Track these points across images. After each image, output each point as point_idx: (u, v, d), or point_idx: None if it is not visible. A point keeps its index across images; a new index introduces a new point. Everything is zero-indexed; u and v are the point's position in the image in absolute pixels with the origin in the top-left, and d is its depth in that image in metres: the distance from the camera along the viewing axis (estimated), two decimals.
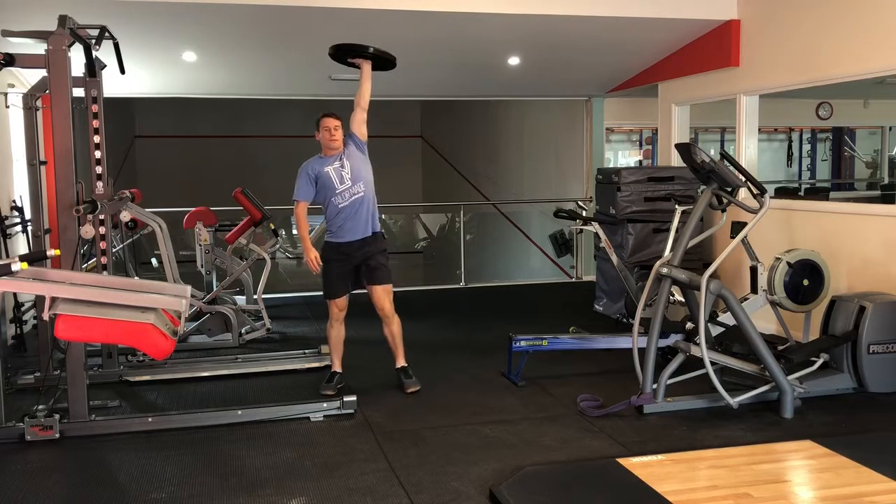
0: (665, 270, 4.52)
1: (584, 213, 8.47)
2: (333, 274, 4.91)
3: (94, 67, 4.95)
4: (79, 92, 4.84)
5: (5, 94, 6.59)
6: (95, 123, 4.90)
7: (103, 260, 5.04)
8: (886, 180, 13.00)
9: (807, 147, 13.34)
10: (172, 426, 4.33)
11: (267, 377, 5.39)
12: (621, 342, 5.28)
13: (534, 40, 7.12)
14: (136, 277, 6.75)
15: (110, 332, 3.54)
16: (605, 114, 9.67)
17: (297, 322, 7.15)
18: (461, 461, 3.81)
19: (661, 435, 4.14)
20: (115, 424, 4.33)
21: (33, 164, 5.22)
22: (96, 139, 4.87)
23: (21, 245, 6.65)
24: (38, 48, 4.23)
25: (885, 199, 11.59)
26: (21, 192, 6.65)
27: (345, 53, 5.01)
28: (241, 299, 7.11)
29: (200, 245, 6.68)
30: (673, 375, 4.52)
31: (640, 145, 12.51)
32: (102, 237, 5.04)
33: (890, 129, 12.94)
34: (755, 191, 4.59)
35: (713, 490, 3.37)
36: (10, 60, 4.24)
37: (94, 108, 4.93)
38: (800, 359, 4.71)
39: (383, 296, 4.96)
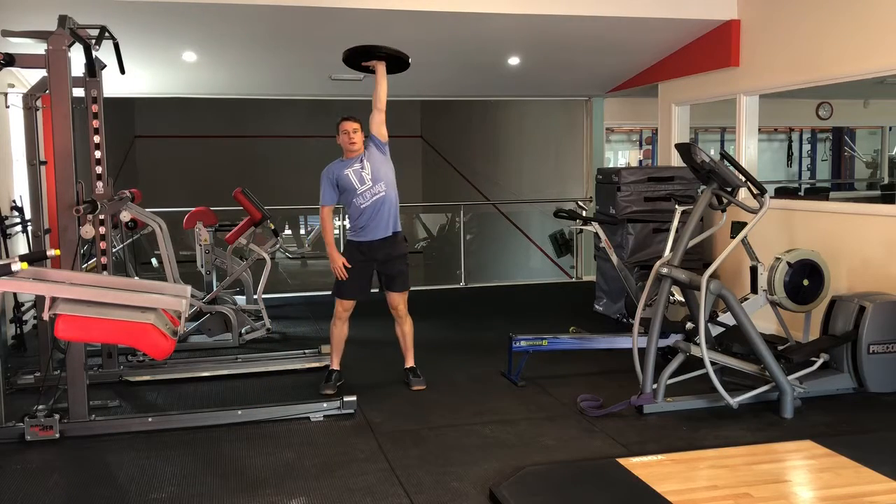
0: (665, 270, 4.52)
1: (584, 213, 8.46)
2: (352, 276, 4.91)
3: (94, 67, 4.95)
4: (79, 92, 4.84)
5: (5, 94, 6.59)
6: (95, 123, 4.90)
7: (103, 260, 5.04)
8: (886, 180, 13.01)
9: (807, 147, 13.34)
10: (172, 426, 4.33)
11: (267, 377, 5.39)
12: (621, 342, 5.28)
13: (534, 40, 7.12)
14: (136, 277, 6.75)
15: (110, 332, 3.54)
16: (605, 114, 9.67)
17: (297, 322, 7.15)
18: (461, 461, 3.81)
19: (661, 435, 4.14)
20: (115, 424, 4.32)
21: (33, 164, 5.22)
22: (96, 139, 4.87)
23: (21, 245, 6.65)
24: (38, 48, 4.23)
25: (885, 199, 11.59)
26: (21, 192, 6.65)
27: (358, 57, 5.00)
28: (241, 299, 7.11)
29: (200, 245, 6.68)
30: (673, 375, 4.53)
31: (640, 145, 12.51)
32: (102, 237, 5.03)
33: (890, 129, 12.95)
34: (755, 191, 4.59)
35: (713, 490, 3.37)
36: (10, 60, 4.24)
37: (94, 108, 4.93)
38: (800, 359, 4.71)
39: (399, 299, 5.01)
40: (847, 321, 4.85)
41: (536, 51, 7.49)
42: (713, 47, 6.96)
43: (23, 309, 6.32)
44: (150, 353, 3.62)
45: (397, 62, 5.03)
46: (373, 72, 5.00)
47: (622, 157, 12.71)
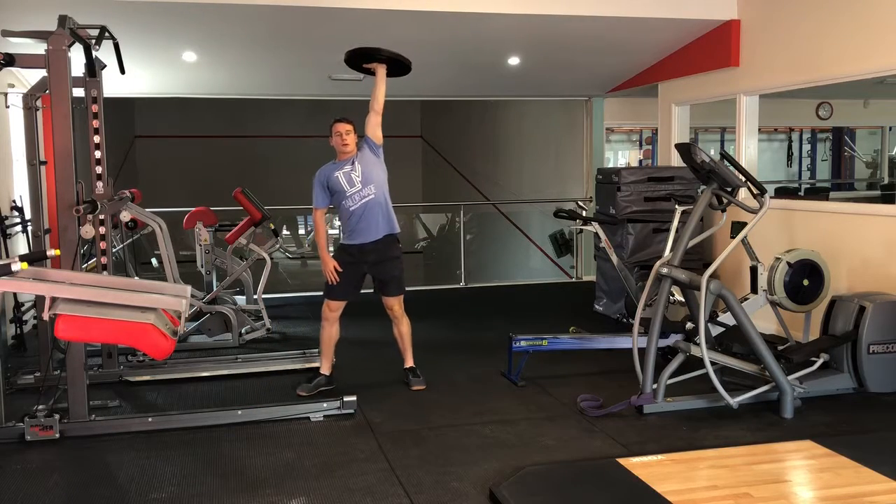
0: (665, 270, 4.52)
1: (584, 213, 8.46)
2: (341, 277, 4.91)
3: (94, 67, 4.95)
4: (79, 92, 4.84)
5: (5, 94, 6.59)
6: (95, 123, 4.90)
7: (103, 260, 5.04)
8: (886, 180, 13.01)
9: (807, 147, 13.34)
10: (172, 426, 4.33)
11: (267, 377, 5.39)
12: (621, 342, 5.28)
13: (534, 40, 7.12)
14: (136, 277, 6.75)
15: (110, 332, 3.54)
16: (605, 114, 9.67)
17: (297, 322, 7.14)
18: (461, 461, 3.81)
19: (661, 435, 4.14)
20: (115, 424, 4.32)
21: (33, 164, 5.22)
22: (96, 139, 4.87)
23: (21, 245, 6.65)
24: (38, 48, 4.23)
25: (885, 199, 11.59)
26: (21, 192, 6.65)
27: (360, 59, 5.00)
28: (241, 299, 7.11)
29: (200, 245, 6.68)
30: (673, 375, 4.53)
31: (640, 145, 12.51)
32: (102, 237, 5.03)
33: (890, 129, 12.95)
34: (755, 191, 4.59)
35: (713, 490, 3.37)
36: (10, 60, 4.24)
37: (94, 108, 4.93)
38: (800, 359, 4.71)
39: (394, 301, 5.01)
40: (847, 321, 4.85)
41: (536, 51, 7.49)
42: (713, 47, 6.96)
43: (23, 309, 6.32)
44: (150, 353, 3.62)
45: (399, 66, 5.03)
46: (374, 74, 5.00)
47: (622, 157, 12.71)
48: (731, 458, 3.75)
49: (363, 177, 4.83)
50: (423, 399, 4.86)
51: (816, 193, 12.09)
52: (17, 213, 6.53)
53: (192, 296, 4.25)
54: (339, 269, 4.87)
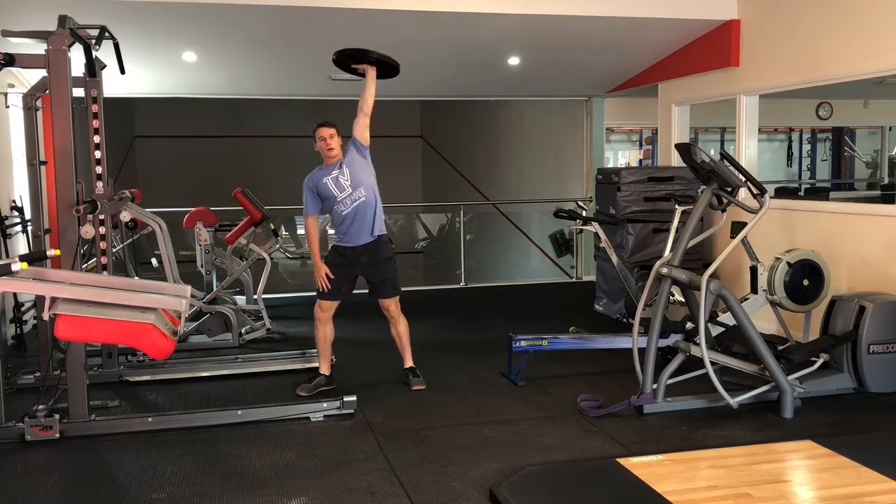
0: (665, 270, 4.52)
1: (584, 213, 8.46)
2: (332, 279, 4.91)
3: (94, 67, 4.95)
4: (79, 92, 4.84)
5: (5, 94, 6.59)
6: (95, 123, 4.90)
7: (103, 260, 5.04)
8: (886, 180, 13.01)
9: (807, 147, 13.34)
10: (172, 426, 4.33)
11: (267, 377, 5.39)
12: (621, 342, 5.28)
13: (534, 40, 7.12)
14: (136, 277, 6.75)
15: (110, 332, 3.54)
16: (605, 114, 9.67)
17: (297, 322, 7.14)
18: (461, 461, 3.81)
19: (661, 435, 4.14)
20: (115, 424, 4.33)
21: (33, 164, 5.22)
22: (96, 139, 4.87)
23: (21, 245, 6.65)
24: (38, 48, 4.23)
25: (885, 199, 11.59)
26: (21, 192, 6.65)
27: (349, 59, 5.00)
28: (241, 299, 7.11)
29: (200, 245, 6.68)
30: (673, 375, 4.53)
31: (640, 145, 12.51)
32: (102, 237, 5.03)
33: (890, 129, 12.95)
34: (755, 191, 4.59)
35: (713, 490, 3.37)
36: (10, 60, 4.24)
37: (94, 108, 4.94)
38: (800, 359, 4.71)
39: (390, 301, 5.01)
40: (847, 321, 4.85)
41: (536, 51, 7.49)
42: (713, 47, 6.96)
43: (23, 309, 6.32)
44: (150, 353, 3.62)
45: (388, 68, 5.03)
46: (362, 75, 4.99)
47: (622, 157, 12.71)
48: (731, 458, 3.75)
49: (352, 180, 4.81)
50: (423, 399, 4.86)
51: (816, 193, 12.09)
52: (17, 213, 6.53)
53: (192, 296, 4.25)
54: (332, 277, 4.87)
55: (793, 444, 3.91)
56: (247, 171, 14.58)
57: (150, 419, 4.37)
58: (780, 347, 5.01)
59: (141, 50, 6.79)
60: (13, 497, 3.49)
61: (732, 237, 4.64)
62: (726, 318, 5.09)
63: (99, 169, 4.90)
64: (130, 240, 7.29)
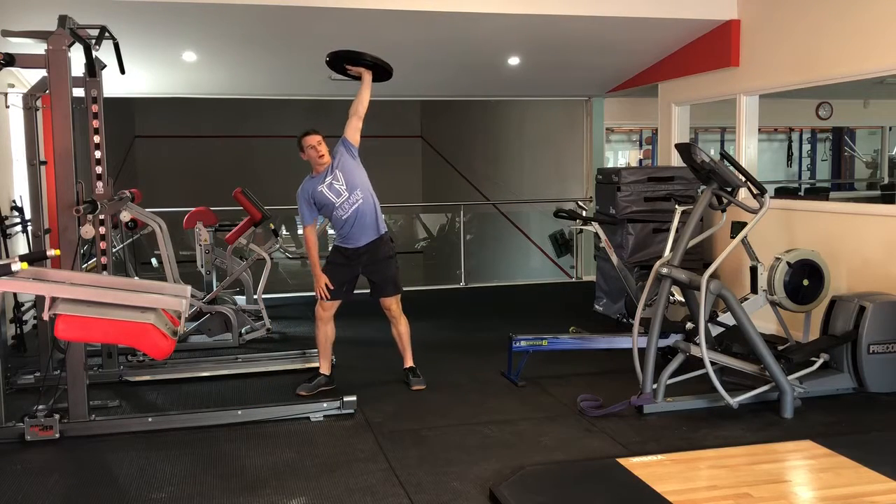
0: (665, 270, 4.52)
1: (584, 213, 8.47)
2: (332, 277, 4.91)
3: (94, 67, 4.95)
4: (79, 92, 4.84)
5: (5, 94, 6.59)
6: (95, 123, 4.90)
7: (103, 260, 5.04)
8: (886, 180, 13.01)
9: (807, 147, 13.35)
10: (172, 426, 4.33)
11: (267, 377, 5.39)
12: (621, 342, 5.28)
13: (534, 40, 7.12)
14: (136, 277, 6.75)
15: (110, 332, 3.54)
16: (605, 114, 9.67)
17: (297, 322, 7.14)
18: (461, 461, 3.81)
19: (661, 435, 4.14)
20: (115, 424, 4.33)
21: (33, 164, 5.22)
22: (96, 139, 4.87)
23: (21, 245, 6.65)
24: (38, 48, 4.23)
25: (885, 199, 11.60)
26: (21, 192, 6.65)
27: (343, 61, 5.00)
28: (241, 299, 7.11)
29: (200, 245, 6.68)
30: (673, 375, 4.53)
31: (640, 145, 12.51)
32: (102, 237, 5.03)
33: (890, 129, 12.95)
34: (755, 191, 4.59)
35: (713, 490, 3.37)
36: (10, 60, 4.23)
37: (94, 108, 4.93)
38: (800, 359, 4.71)
39: (391, 300, 5.01)
40: (847, 321, 4.85)
41: (536, 51, 7.49)
42: (713, 47, 6.96)
43: (23, 309, 6.32)
44: (150, 353, 3.62)
45: (382, 72, 5.03)
46: (354, 77, 4.99)
47: (622, 157, 12.71)
48: (731, 458, 3.75)
49: (347, 184, 4.80)
50: (423, 399, 4.86)
51: (816, 193, 12.10)
52: (17, 213, 6.53)
53: (192, 296, 4.24)
54: (331, 287, 4.87)
55: (793, 444, 3.91)
56: (247, 171, 14.57)
57: (149, 419, 4.37)
58: (780, 347, 5.01)
59: (141, 50, 6.79)
60: (13, 497, 3.49)
61: (732, 237, 4.63)
62: (726, 318, 5.09)
63: (99, 169, 4.90)
64: (130, 240, 7.29)
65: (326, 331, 4.99)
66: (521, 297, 8.59)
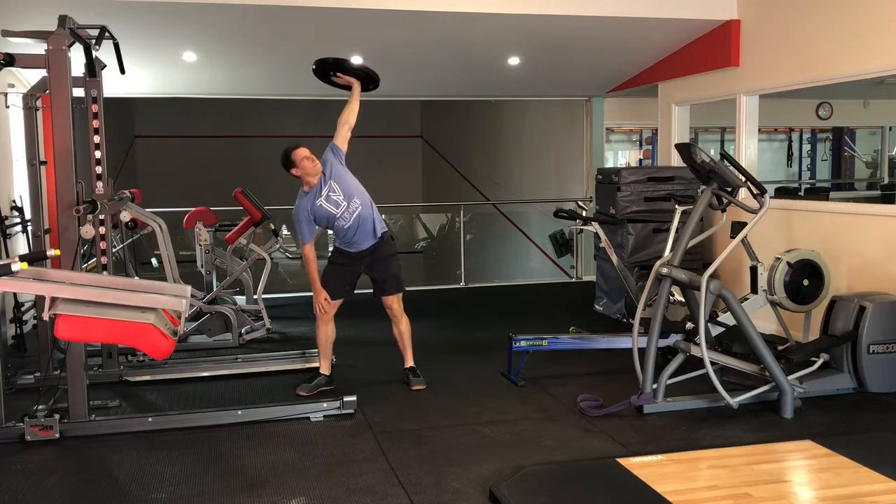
0: (665, 270, 4.52)
1: (584, 213, 8.47)
2: (335, 277, 4.92)
3: (94, 67, 4.95)
4: (79, 92, 4.83)
5: (5, 94, 6.59)
6: (95, 123, 4.89)
7: (103, 260, 5.04)
8: (886, 180, 13.01)
9: (807, 147, 13.34)
10: (172, 426, 4.33)
11: (267, 377, 5.39)
12: (621, 342, 5.28)
13: (534, 40, 7.12)
14: (136, 277, 6.75)
15: (110, 332, 3.54)
16: (605, 114, 9.67)
17: (297, 322, 7.14)
18: (461, 461, 3.81)
19: (661, 435, 4.14)
20: (115, 424, 4.33)
21: (33, 164, 5.22)
22: (96, 139, 4.87)
23: (21, 245, 6.65)
24: (38, 48, 4.23)
25: (885, 199, 11.60)
26: (21, 192, 6.65)
27: (331, 69, 5.00)
28: (241, 299, 7.11)
29: (200, 245, 6.68)
30: (673, 375, 4.52)
31: (640, 145, 12.51)
32: (102, 237, 5.03)
33: (890, 129, 12.95)
34: (755, 191, 4.59)
35: (713, 490, 3.37)
36: (10, 60, 4.23)
37: (94, 108, 4.93)
38: (800, 359, 4.71)
39: (393, 299, 5.01)
40: (847, 321, 4.85)
41: (536, 51, 7.49)
42: (713, 47, 6.96)
43: (23, 309, 6.32)
44: (150, 353, 3.62)
45: (371, 81, 5.04)
46: (340, 86, 5.01)
47: (622, 157, 12.71)
48: (731, 458, 3.75)
49: (344, 193, 4.79)
50: (423, 399, 4.86)
51: (816, 193, 12.10)
52: (17, 213, 6.53)
53: (192, 296, 4.24)
54: (330, 301, 4.89)
55: (793, 444, 3.91)
56: (247, 171, 14.55)
57: (150, 419, 4.37)
58: (780, 347, 5.01)
59: (141, 50, 6.79)
60: (13, 497, 3.49)
61: (732, 237, 4.63)
62: (726, 318, 5.09)
63: (99, 169, 4.90)
64: (130, 240, 7.29)
65: (327, 330, 4.99)
66: (521, 297, 8.59)
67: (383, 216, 5.06)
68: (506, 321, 6.88)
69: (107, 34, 4.69)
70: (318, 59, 4.98)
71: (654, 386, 4.46)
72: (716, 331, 5.12)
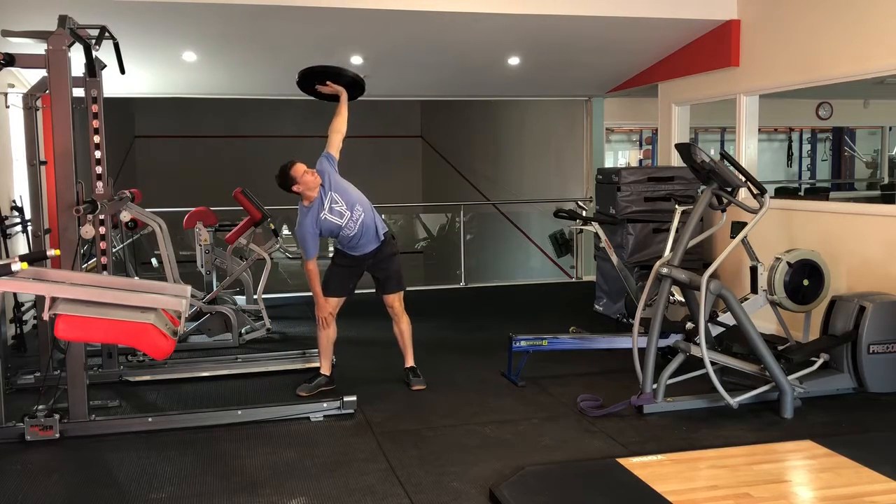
0: (665, 270, 4.52)
1: (584, 213, 8.47)
2: (337, 276, 4.92)
3: (94, 67, 4.95)
4: (79, 92, 4.83)
5: (5, 94, 6.59)
6: (95, 123, 4.89)
7: (103, 260, 5.04)
8: (886, 180, 13.02)
9: (807, 147, 13.35)
10: (172, 426, 4.33)
11: (267, 377, 5.39)
12: (621, 342, 5.28)
13: (534, 40, 7.12)
14: (136, 277, 6.75)
15: (110, 332, 3.54)
16: (605, 114, 9.67)
17: (297, 322, 7.14)
18: (461, 461, 3.81)
19: (661, 435, 4.14)
20: (115, 424, 4.33)
21: (33, 164, 5.22)
22: (96, 139, 4.87)
23: (21, 245, 6.64)
24: (38, 48, 4.22)
25: (885, 199, 11.60)
26: (21, 192, 6.65)
27: (317, 78, 5.02)
28: (241, 299, 7.11)
29: (200, 245, 6.68)
30: (673, 375, 4.53)
31: (640, 145, 12.51)
32: (102, 237, 5.03)
33: (890, 129, 12.95)
34: (755, 191, 4.59)
35: (713, 490, 3.37)
36: (10, 60, 4.23)
37: (94, 108, 4.93)
38: (800, 359, 4.71)
39: (394, 298, 5.02)
40: (847, 321, 4.85)
41: (536, 51, 7.49)
42: (713, 47, 6.96)
43: (23, 309, 6.32)
44: (150, 353, 3.63)
45: (357, 88, 5.06)
46: (324, 97, 5.05)
47: (622, 157, 12.71)
48: (731, 458, 3.75)
49: (346, 202, 4.79)
50: (423, 399, 4.86)
51: (816, 193, 12.10)
52: (17, 213, 6.53)
53: (192, 296, 4.24)
54: (332, 314, 4.90)
55: (793, 444, 3.91)
56: (247, 171, 14.54)
57: (150, 419, 4.37)
58: (780, 347, 5.01)
59: (141, 50, 6.79)
60: (13, 497, 3.49)
61: (732, 237, 4.63)
62: (726, 318, 5.09)
63: (99, 169, 4.90)
64: (130, 240, 7.29)
65: (328, 331, 4.99)
66: (521, 297, 8.59)
67: (383, 216, 5.06)
68: (506, 321, 6.87)
69: (107, 34, 4.69)
70: (301, 71, 4.99)
71: (654, 386, 4.46)
72: (716, 331, 5.12)
